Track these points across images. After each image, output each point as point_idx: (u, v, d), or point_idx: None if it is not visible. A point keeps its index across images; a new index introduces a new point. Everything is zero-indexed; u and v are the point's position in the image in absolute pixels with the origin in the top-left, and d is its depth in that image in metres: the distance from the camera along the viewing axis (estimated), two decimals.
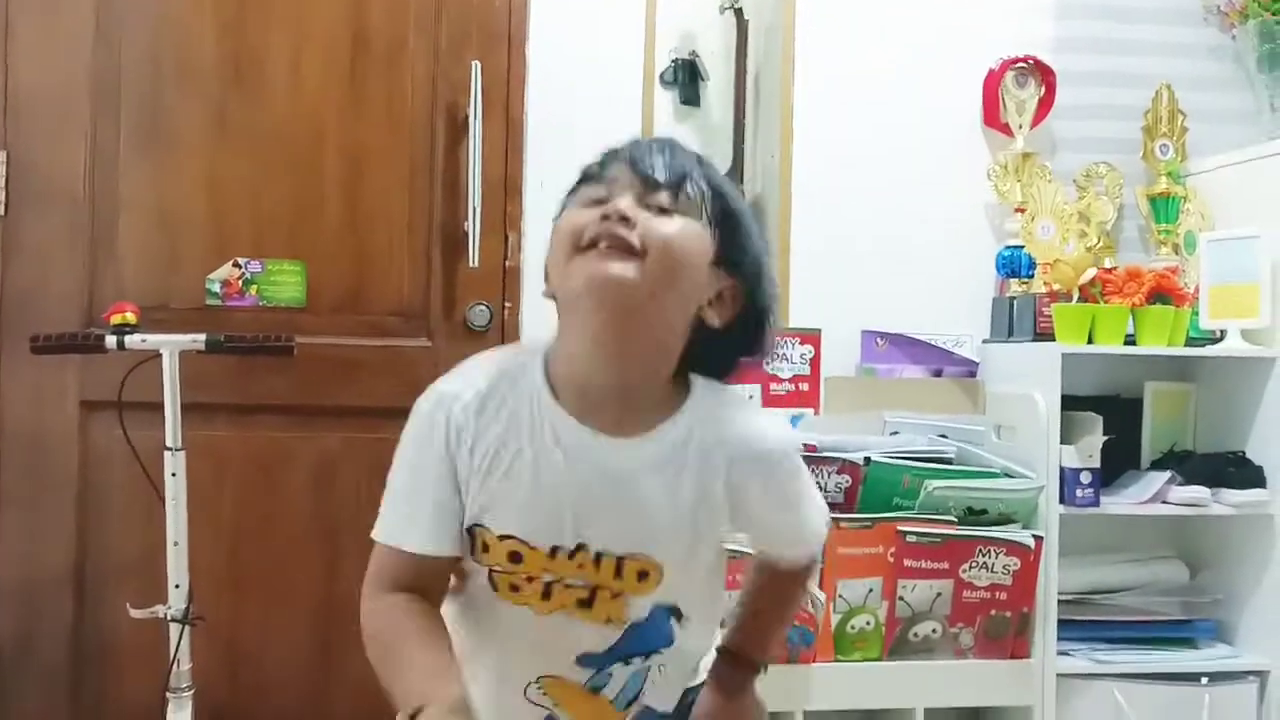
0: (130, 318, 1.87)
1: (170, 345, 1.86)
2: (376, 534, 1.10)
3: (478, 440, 1.06)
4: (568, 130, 2.27)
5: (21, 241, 2.18)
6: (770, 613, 1.27)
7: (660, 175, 1.05)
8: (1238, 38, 2.44)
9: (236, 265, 2.24)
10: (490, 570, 1.08)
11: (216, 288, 2.24)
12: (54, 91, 2.19)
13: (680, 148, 1.10)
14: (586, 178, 1.09)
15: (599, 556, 1.07)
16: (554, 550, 1.06)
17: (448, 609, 1.14)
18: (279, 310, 2.25)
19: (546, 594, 1.08)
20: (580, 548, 1.06)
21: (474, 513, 1.07)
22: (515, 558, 1.07)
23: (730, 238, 1.08)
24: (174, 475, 1.85)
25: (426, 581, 1.09)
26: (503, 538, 1.06)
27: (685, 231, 1.04)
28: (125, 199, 2.21)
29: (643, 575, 1.08)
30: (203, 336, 1.87)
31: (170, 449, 1.85)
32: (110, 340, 1.84)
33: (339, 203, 2.27)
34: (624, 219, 1.02)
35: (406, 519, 1.08)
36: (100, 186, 2.20)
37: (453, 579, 1.14)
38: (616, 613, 1.09)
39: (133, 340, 1.85)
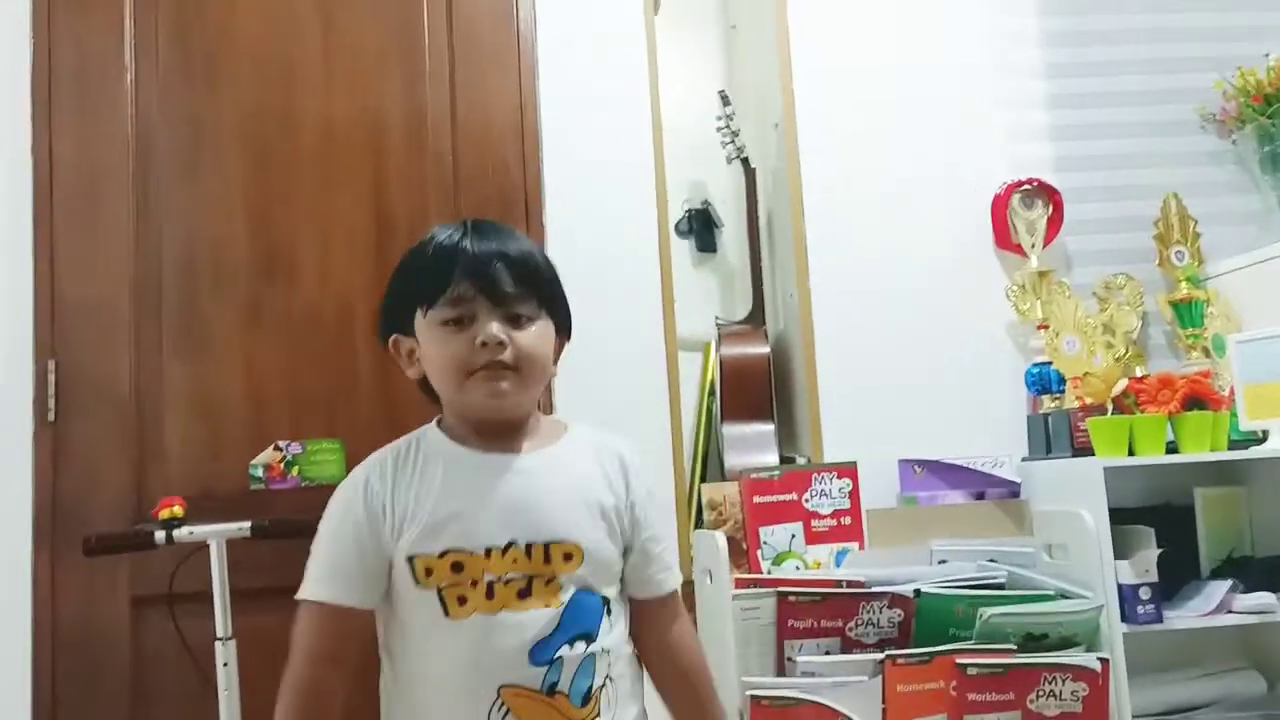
0: (178, 511, 1.91)
1: (217, 535, 1.89)
2: (302, 593, 1.27)
3: (397, 488, 1.27)
4: (588, 288, 2.31)
5: (71, 446, 2.24)
6: (692, 688, 1.39)
7: (508, 288, 1.27)
8: (1238, 142, 2.49)
9: (278, 448, 2.29)
10: (439, 590, 1.24)
11: (259, 472, 2.29)
12: (98, 301, 2.28)
13: (503, 236, 1.31)
14: (426, 290, 1.28)
15: (528, 547, 1.26)
16: (488, 551, 1.24)
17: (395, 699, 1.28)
18: (322, 488, 2.26)
19: (490, 594, 1.24)
20: (510, 544, 1.25)
21: (408, 546, 1.25)
22: (457, 567, 1.24)
23: (557, 308, 1.34)
24: (225, 665, 1.85)
25: (344, 639, 1.27)
26: (442, 554, 1.24)
27: (540, 335, 1.30)
28: (168, 396, 2.28)
29: (568, 557, 1.27)
30: (248, 523, 1.90)
31: (221, 639, 1.86)
32: (159, 535, 1.87)
33: (372, 379, 2.32)
34: (500, 344, 1.25)
35: (329, 577, 1.26)
36: (144, 386, 2.28)
37: (393, 652, 1.29)
38: (552, 596, 1.25)
39: (180, 533, 1.88)
